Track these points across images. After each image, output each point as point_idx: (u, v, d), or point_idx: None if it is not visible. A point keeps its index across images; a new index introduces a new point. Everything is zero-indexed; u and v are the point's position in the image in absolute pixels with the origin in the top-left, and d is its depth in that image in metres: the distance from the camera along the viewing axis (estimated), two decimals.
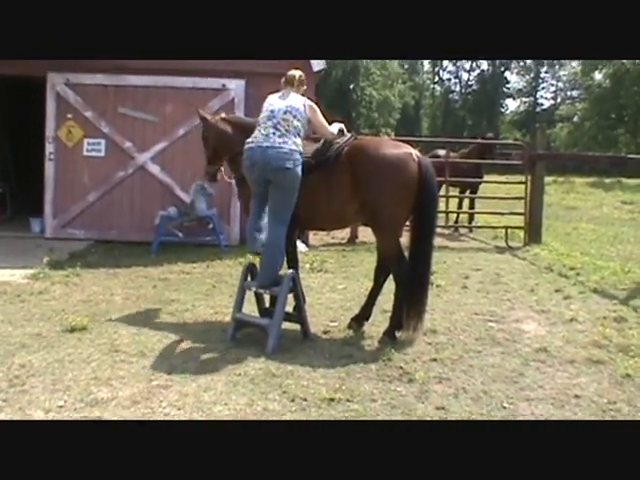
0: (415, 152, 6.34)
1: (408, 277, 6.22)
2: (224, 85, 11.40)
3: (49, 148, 11.58)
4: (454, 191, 15.75)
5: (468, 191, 15.58)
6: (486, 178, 15.97)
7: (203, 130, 7.30)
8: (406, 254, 6.31)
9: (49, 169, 11.62)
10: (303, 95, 6.58)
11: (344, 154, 6.35)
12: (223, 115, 7.44)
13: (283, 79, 6.57)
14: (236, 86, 11.36)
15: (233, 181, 7.54)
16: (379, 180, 6.13)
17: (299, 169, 6.16)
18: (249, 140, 6.27)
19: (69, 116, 11.51)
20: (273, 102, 6.40)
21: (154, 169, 11.48)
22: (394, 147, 6.35)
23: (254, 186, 6.34)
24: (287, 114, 6.24)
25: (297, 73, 6.57)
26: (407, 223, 6.50)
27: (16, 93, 13.91)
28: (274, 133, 6.14)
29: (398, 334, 6.25)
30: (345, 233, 12.67)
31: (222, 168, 7.48)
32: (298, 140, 6.23)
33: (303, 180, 6.20)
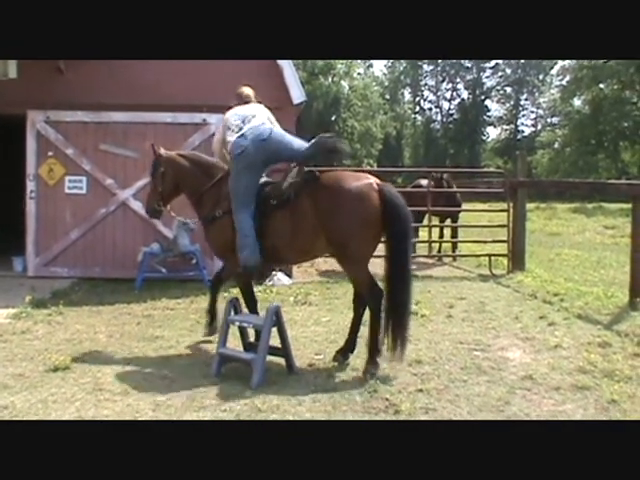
0: (376, 181, 6.38)
1: (381, 305, 6.24)
2: (205, 120, 11.42)
3: (30, 186, 11.52)
4: (436, 220, 15.81)
5: (449, 220, 15.66)
6: (469, 206, 16.04)
7: (158, 165, 7.41)
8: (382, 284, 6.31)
9: (30, 207, 11.56)
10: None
11: (305, 191, 6.44)
12: (180, 152, 7.62)
13: (237, 99, 7.06)
14: (217, 120, 11.32)
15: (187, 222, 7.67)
16: (342, 214, 6.18)
17: None
18: (240, 133, 6.64)
19: (50, 154, 11.47)
20: (236, 111, 6.88)
21: (136, 205, 11.43)
22: (354, 179, 6.38)
23: (247, 193, 6.60)
24: (259, 113, 6.90)
25: (250, 90, 7.11)
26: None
27: None
28: (264, 123, 6.75)
29: (379, 361, 6.23)
30: (329, 264, 12.64)
31: (169, 207, 7.64)
32: None
33: (269, 219, 6.51)
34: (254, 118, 6.77)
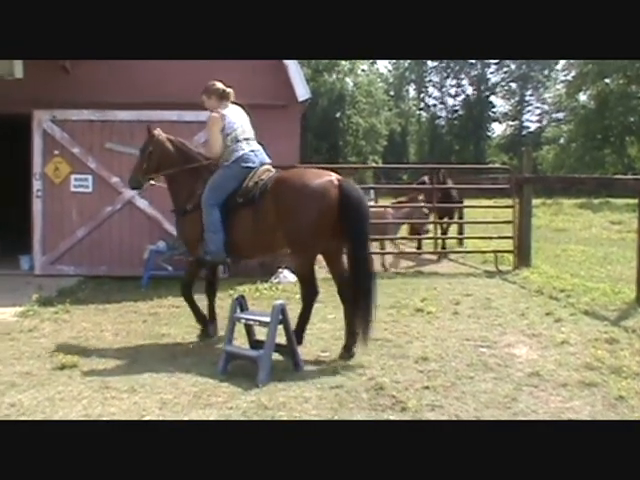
0: (337, 177, 6.69)
1: (313, 302, 6.88)
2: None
3: (36, 185, 11.55)
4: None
5: (455, 216, 15.65)
6: (475, 203, 15.99)
7: (149, 144, 7.62)
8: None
9: (37, 206, 11.59)
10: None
11: (269, 188, 6.80)
12: (170, 136, 7.78)
13: (215, 95, 7.29)
14: None
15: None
16: (299, 210, 6.55)
17: None
18: (249, 148, 7.14)
19: (56, 152, 11.50)
20: (235, 119, 7.20)
21: (142, 203, 11.46)
22: (316, 177, 6.70)
23: (225, 192, 7.03)
24: (249, 124, 7.38)
25: (224, 86, 7.33)
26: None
27: (2, 131, 13.94)
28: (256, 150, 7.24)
29: (298, 350, 6.43)
30: None
31: (152, 181, 7.85)
32: None
33: (234, 215, 6.95)
34: (250, 134, 7.33)
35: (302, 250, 6.77)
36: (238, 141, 7.09)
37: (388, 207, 13.83)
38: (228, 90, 7.31)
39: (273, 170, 7.18)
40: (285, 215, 6.61)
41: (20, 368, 6.31)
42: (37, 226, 11.61)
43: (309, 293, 6.84)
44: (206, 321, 7.57)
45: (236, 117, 7.23)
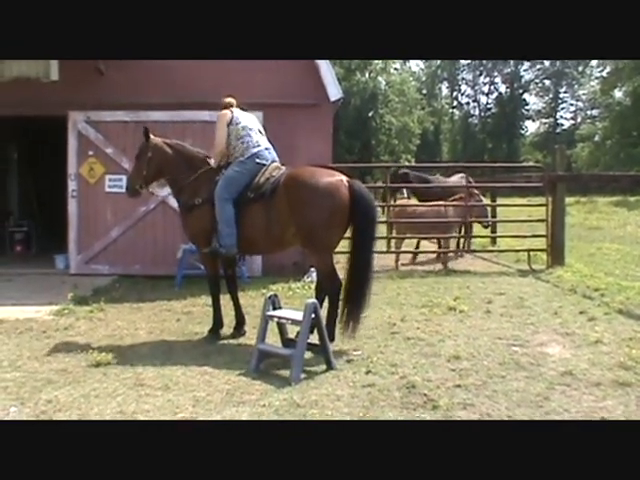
0: (346, 179, 6.97)
1: (339, 294, 6.95)
2: None
3: (71, 185, 11.71)
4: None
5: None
6: (508, 201, 15.86)
7: (146, 150, 7.72)
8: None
9: (72, 206, 11.75)
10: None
11: (281, 184, 6.98)
12: (166, 140, 7.91)
13: (226, 105, 7.59)
14: None
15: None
16: (313, 206, 6.80)
17: None
18: (264, 145, 7.42)
19: (90, 153, 11.65)
20: (243, 119, 7.47)
21: (175, 203, 11.51)
22: (327, 175, 6.93)
23: (239, 187, 7.20)
24: (258, 123, 7.66)
25: (226, 99, 7.67)
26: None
27: (39, 133, 14.14)
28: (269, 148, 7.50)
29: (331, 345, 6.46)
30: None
31: (150, 187, 8.04)
32: None
33: (245, 210, 7.12)
34: (262, 136, 7.59)
35: (317, 246, 6.99)
36: (251, 129, 7.34)
37: (448, 205, 13.69)
38: (228, 100, 7.63)
39: (283, 167, 7.36)
40: (297, 210, 6.82)
41: (56, 365, 6.41)
42: (72, 226, 11.76)
43: (333, 286, 6.99)
44: (220, 325, 7.70)
45: (242, 114, 7.51)
